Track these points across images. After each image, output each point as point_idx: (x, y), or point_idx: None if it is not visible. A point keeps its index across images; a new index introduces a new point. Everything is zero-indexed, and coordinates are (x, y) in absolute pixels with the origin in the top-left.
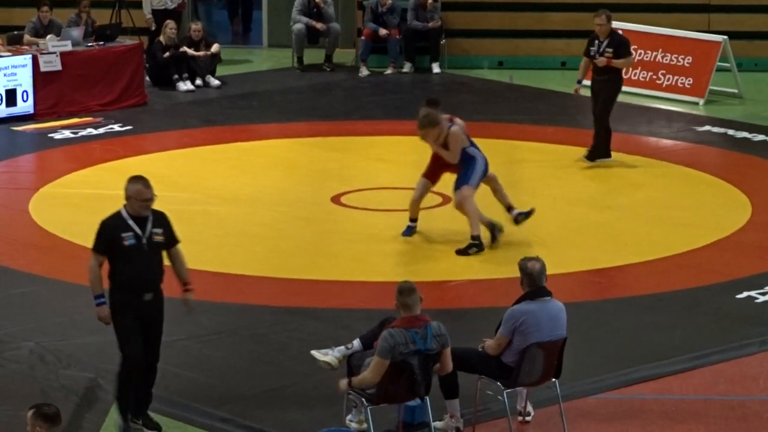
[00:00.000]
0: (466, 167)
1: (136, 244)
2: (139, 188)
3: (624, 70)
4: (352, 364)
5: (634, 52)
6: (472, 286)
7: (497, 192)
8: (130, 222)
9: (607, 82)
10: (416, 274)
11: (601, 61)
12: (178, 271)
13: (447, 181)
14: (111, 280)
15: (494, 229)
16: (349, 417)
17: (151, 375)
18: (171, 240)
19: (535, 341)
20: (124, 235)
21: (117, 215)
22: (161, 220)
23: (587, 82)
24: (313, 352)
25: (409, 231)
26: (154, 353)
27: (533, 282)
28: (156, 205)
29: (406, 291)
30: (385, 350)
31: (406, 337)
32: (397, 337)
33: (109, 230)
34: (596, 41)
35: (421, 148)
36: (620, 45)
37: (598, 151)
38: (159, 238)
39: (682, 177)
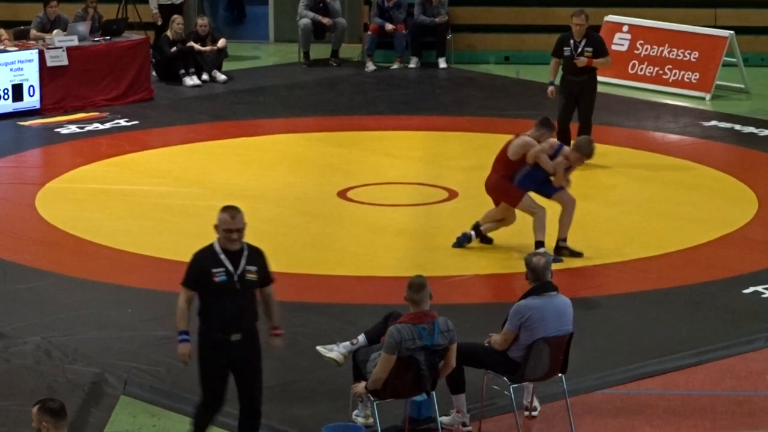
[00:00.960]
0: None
1: (226, 281)
2: (224, 217)
3: (598, 70)
4: (357, 360)
5: (640, 47)
6: (477, 281)
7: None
8: (222, 257)
9: (588, 82)
10: (422, 269)
11: (581, 61)
12: (268, 312)
13: (453, 175)
14: (199, 317)
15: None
16: (355, 412)
17: (254, 421)
18: (265, 279)
19: (542, 336)
20: (215, 270)
21: (209, 248)
22: (257, 256)
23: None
24: (319, 348)
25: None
26: (254, 400)
27: (538, 277)
28: (162, 201)
29: (415, 286)
30: (391, 346)
31: (413, 333)
32: (404, 332)
33: (200, 264)
34: (571, 41)
35: (426, 143)
36: (600, 44)
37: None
38: (252, 276)
39: (689, 172)
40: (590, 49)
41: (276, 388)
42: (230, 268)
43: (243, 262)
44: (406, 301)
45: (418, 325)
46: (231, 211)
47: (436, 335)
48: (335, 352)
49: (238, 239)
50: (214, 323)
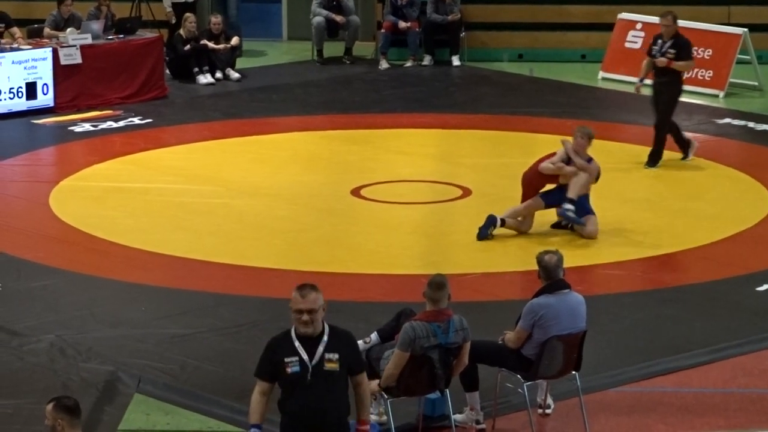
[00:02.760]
0: (583, 199)
1: (300, 373)
2: (294, 295)
3: (685, 73)
4: (370, 358)
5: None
6: (491, 279)
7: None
8: (297, 344)
9: (668, 84)
10: (435, 266)
11: (661, 61)
12: (356, 403)
13: (466, 173)
14: (280, 410)
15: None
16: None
17: None
18: (352, 367)
19: (555, 334)
20: (287, 360)
21: (286, 334)
22: (340, 341)
23: (648, 81)
24: None
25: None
26: None
27: (550, 275)
28: (176, 198)
29: (435, 285)
30: (405, 343)
31: (428, 331)
32: (418, 330)
33: (273, 352)
34: (659, 41)
35: (440, 141)
36: (683, 47)
37: (659, 156)
38: (332, 366)
39: (702, 170)
40: (673, 51)
41: None
42: (305, 357)
43: (321, 349)
44: (424, 297)
45: (433, 323)
46: (303, 289)
47: (450, 333)
48: None
49: (310, 322)
50: (293, 418)
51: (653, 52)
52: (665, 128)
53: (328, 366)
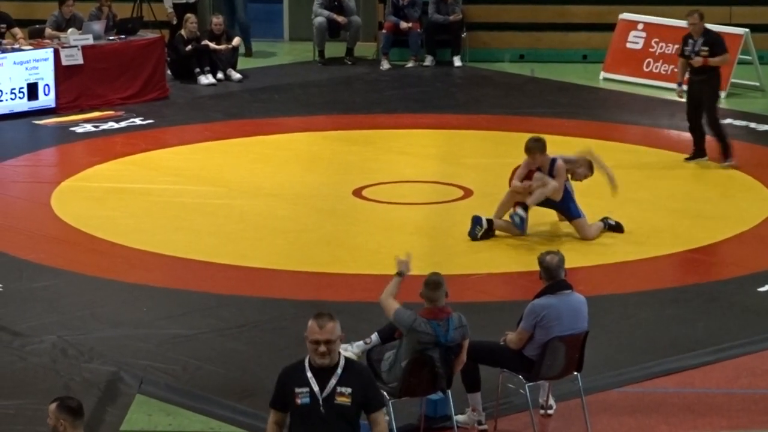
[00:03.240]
0: (567, 201)
1: (310, 404)
2: (311, 325)
3: (721, 68)
4: (371, 359)
5: (655, 45)
6: (493, 280)
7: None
8: (309, 374)
9: (706, 81)
10: (437, 267)
11: (697, 60)
12: None
13: (468, 173)
14: None
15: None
16: None
17: None
18: (368, 404)
19: (557, 335)
20: (298, 390)
21: (299, 363)
22: (355, 376)
23: (685, 87)
24: None
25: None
26: None
27: (551, 276)
28: (177, 199)
29: (432, 284)
30: (401, 324)
31: (428, 327)
32: (419, 324)
33: (284, 381)
34: (690, 40)
35: (441, 141)
36: (715, 43)
37: (728, 150)
38: (343, 400)
39: (704, 170)
40: (706, 48)
41: None
42: (315, 388)
43: (333, 381)
44: (422, 297)
45: (433, 321)
46: (321, 319)
47: (450, 332)
48: (349, 351)
49: (327, 353)
50: None
51: (686, 52)
52: (718, 124)
53: (339, 400)
